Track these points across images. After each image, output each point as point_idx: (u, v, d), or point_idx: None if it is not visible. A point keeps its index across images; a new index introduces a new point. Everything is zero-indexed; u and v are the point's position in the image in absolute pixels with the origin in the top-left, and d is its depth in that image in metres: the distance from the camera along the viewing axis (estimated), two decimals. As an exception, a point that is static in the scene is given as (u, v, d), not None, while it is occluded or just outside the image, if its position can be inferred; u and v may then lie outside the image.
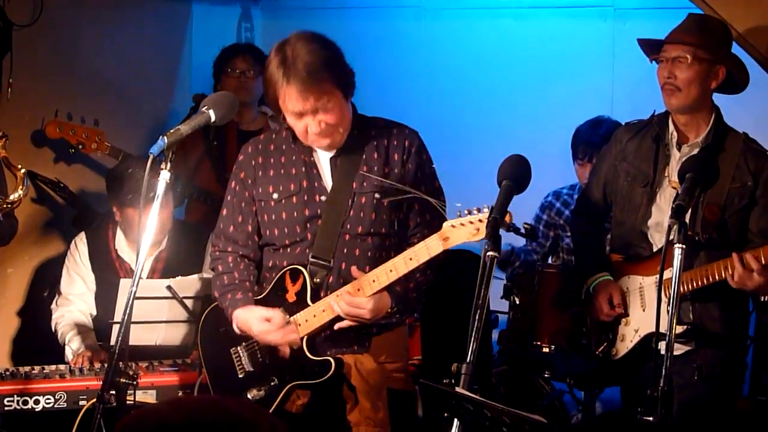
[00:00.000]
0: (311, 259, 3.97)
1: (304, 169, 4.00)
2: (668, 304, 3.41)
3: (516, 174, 3.49)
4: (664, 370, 3.32)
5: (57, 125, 5.57)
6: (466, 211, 3.68)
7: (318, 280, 3.96)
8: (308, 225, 3.99)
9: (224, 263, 4.14)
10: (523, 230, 3.56)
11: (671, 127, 4.44)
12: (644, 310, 4.43)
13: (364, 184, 3.96)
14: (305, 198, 3.99)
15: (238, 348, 4.13)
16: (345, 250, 3.97)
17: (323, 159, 4.02)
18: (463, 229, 3.68)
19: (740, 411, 5.13)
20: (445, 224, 3.72)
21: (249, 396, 4.00)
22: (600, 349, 4.56)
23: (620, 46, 6.62)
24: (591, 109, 6.13)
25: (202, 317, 4.29)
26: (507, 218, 3.43)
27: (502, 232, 3.39)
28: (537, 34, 6.92)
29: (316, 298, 3.96)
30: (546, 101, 6.82)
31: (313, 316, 3.95)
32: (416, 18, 7.12)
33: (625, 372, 4.56)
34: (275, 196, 4.02)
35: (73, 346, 4.88)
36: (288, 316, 3.98)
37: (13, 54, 5.51)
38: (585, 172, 5.72)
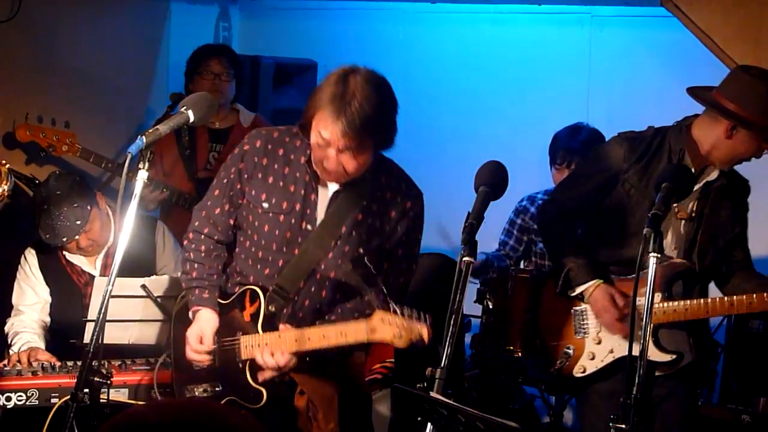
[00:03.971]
0: (275, 287, 3.91)
1: (303, 191, 3.87)
2: (642, 329, 3.41)
3: (493, 180, 3.49)
4: (637, 378, 3.33)
5: (27, 128, 5.52)
6: (398, 311, 3.67)
7: (273, 309, 3.91)
8: (284, 249, 3.91)
9: (196, 252, 4.09)
10: None
11: (688, 159, 4.28)
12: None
13: (353, 233, 3.87)
14: (292, 221, 3.88)
15: None
16: (312, 289, 3.92)
17: (326, 190, 3.89)
18: (387, 329, 3.66)
19: (711, 419, 5.17)
20: (375, 315, 3.69)
21: (195, 392, 4.04)
22: (555, 367, 4.47)
23: (597, 52, 6.65)
24: (567, 114, 6.16)
25: (178, 305, 4.25)
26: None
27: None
28: (514, 39, 6.95)
29: (266, 326, 3.92)
30: (522, 106, 6.86)
31: (258, 346, 3.92)
32: (394, 21, 7.13)
33: (581, 386, 4.51)
34: (265, 205, 3.91)
35: (14, 348, 4.84)
36: (214, 348, 4.03)
37: (-10, 50, 5.50)
38: (562, 178, 5.73)
